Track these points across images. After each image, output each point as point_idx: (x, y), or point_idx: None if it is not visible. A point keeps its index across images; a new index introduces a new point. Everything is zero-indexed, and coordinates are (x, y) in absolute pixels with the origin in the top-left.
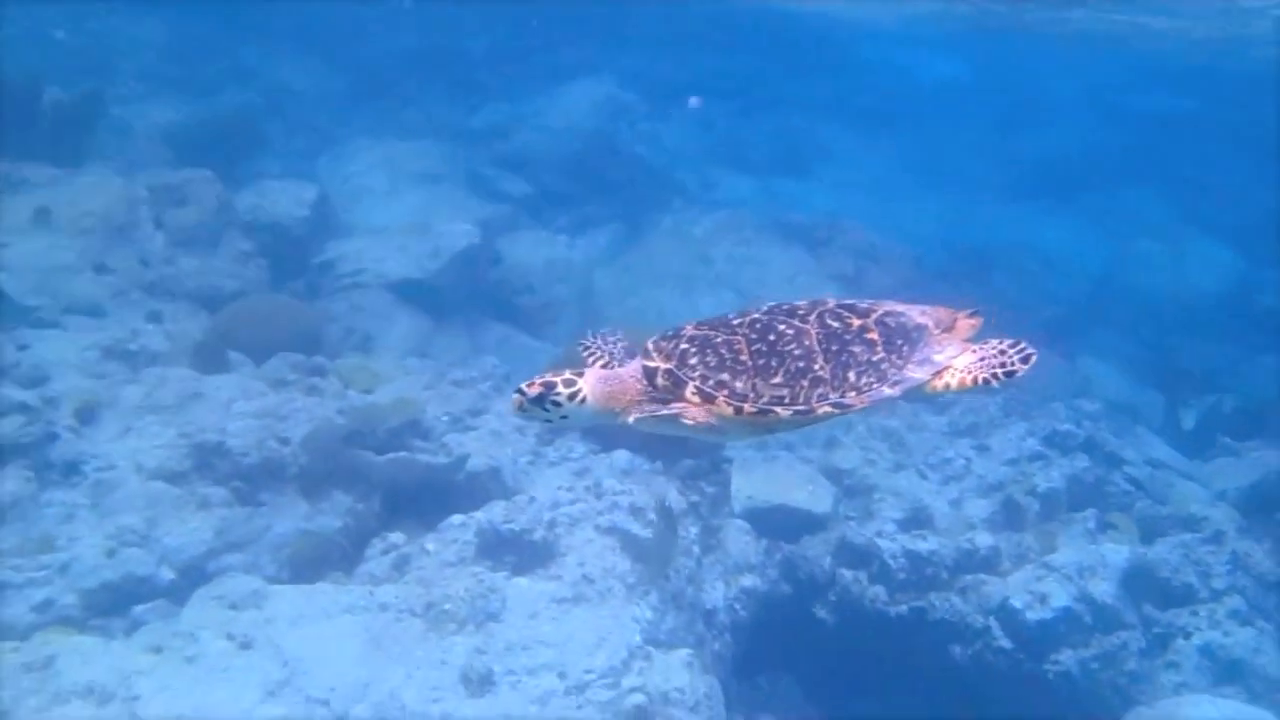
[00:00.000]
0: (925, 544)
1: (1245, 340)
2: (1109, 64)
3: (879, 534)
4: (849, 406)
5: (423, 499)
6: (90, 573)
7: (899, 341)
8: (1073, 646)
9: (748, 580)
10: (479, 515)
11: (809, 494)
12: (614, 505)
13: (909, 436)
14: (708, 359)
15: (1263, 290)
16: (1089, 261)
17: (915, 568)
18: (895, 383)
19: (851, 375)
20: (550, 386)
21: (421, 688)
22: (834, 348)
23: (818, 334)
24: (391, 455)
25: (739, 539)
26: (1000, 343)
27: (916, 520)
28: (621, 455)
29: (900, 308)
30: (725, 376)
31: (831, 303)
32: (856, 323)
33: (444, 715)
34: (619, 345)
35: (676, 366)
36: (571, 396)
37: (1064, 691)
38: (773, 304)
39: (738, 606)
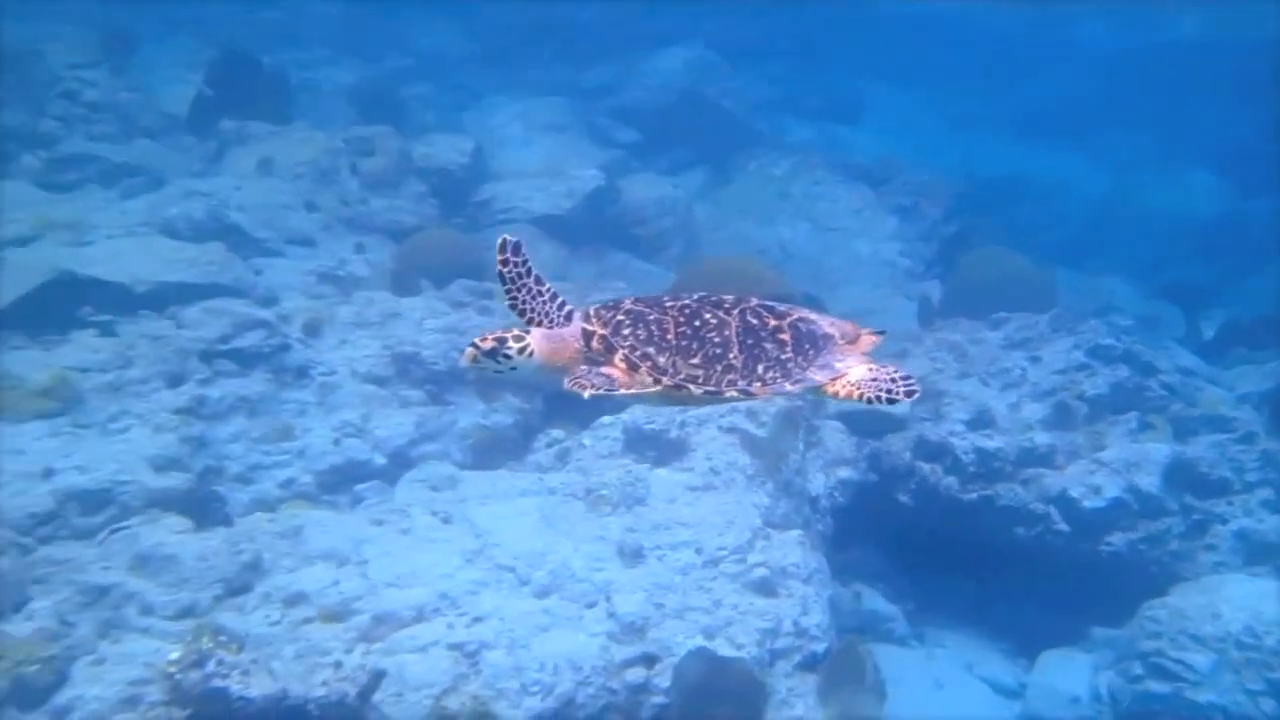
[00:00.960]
0: (991, 442)
1: (1239, 259)
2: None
3: (951, 433)
4: (752, 395)
5: (573, 401)
6: (321, 457)
7: (806, 345)
8: (1122, 530)
9: (843, 472)
10: (624, 416)
11: None
12: (733, 408)
13: (970, 349)
14: (638, 332)
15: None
16: (1092, 190)
17: (983, 461)
18: (796, 381)
19: (760, 368)
20: (502, 341)
21: (586, 558)
22: (749, 342)
23: (737, 327)
24: None
25: (835, 436)
26: (895, 370)
27: (981, 421)
28: None
29: (813, 316)
30: (651, 350)
31: (754, 301)
32: (773, 323)
33: (606, 581)
34: (561, 305)
35: (610, 334)
36: (520, 351)
37: (1114, 568)
38: (703, 294)
39: (835, 493)
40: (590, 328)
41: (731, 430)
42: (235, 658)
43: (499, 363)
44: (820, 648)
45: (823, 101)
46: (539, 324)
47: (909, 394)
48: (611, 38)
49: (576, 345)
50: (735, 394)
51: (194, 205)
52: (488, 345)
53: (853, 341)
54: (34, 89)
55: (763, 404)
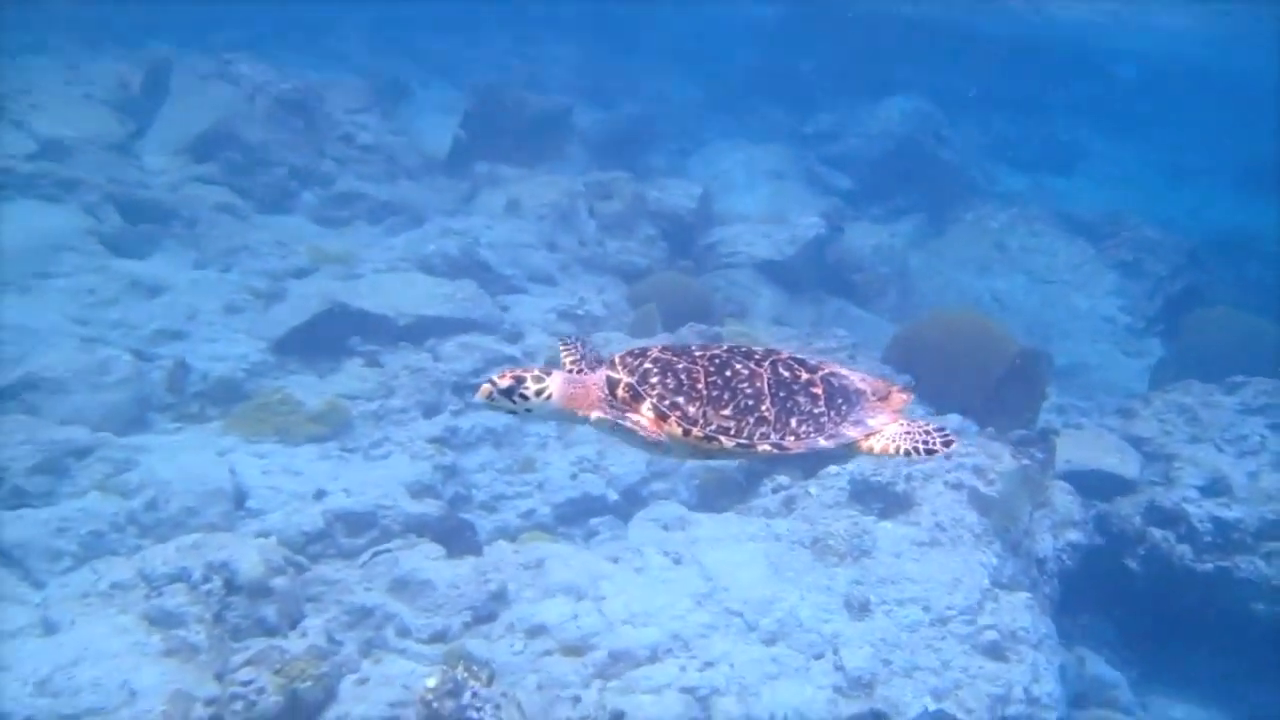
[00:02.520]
0: (1229, 511)
1: None
2: None
3: (1184, 499)
4: (786, 449)
5: None
6: (559, 490)
7: (839, 400)
8: None
9: (1071, 534)
10: (850, 467)
11: (1119, 460)
12: (959, 465)
13: (1203, 413)
14: (667, 381)
15: None
16: None
17: (1220, 531)
18: (831, 436)
19: (793, 421)
20: (520, 381)
21: (813, 608)
22: (782, 394)
23: (769, 379)
24: None
25: (1063, 498)
26: (928, 423)
27: (1217, 489)
28: (954, 419)
29: (844, 371)
30: (680, 400)
31: (785, 354)
32: (805, 376)
33: (833, 633)
34: (589, 352)
35: (638, 382)
36: (539, 393)
37: None
38: (732, 344)
39: (1064, 556)
40: (616, 375)
41: (958, 486)
42: (488, 690)
43: (514, 402)
44: (1052, 717)
45: (1038, 151)
46: (572, 360)
47: (946, 444)
48: (832, 87)
49: (600, 393)
50: (768, 448)
51: (449, 243)
52: (505, 383)
53: (884, 398)
54: (317, 133)
55: (990, 461)
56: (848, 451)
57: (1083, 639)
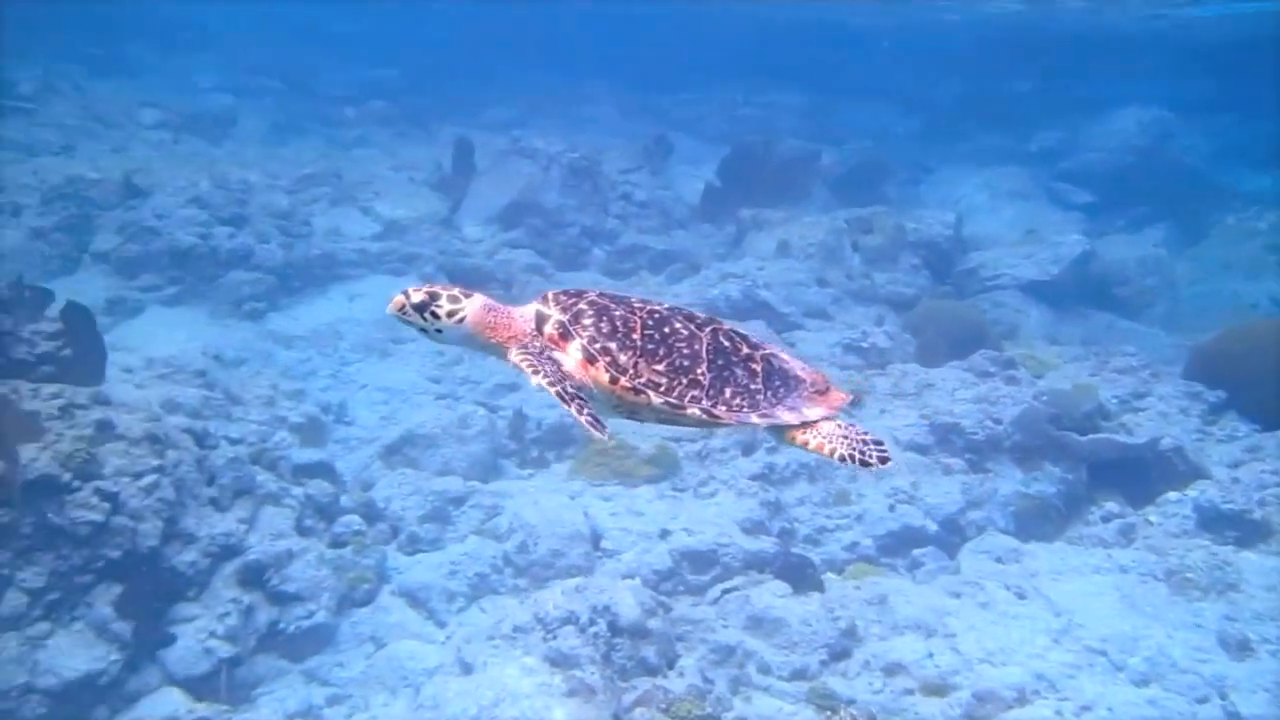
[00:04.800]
0: None
1: None
2: None
3: None
4: (716, 418)
5: (1121, 473)
6: (879, 522)
7: (777, 382)
8: None
9: None
10: (1191, 493)
11: None
12: None
13: None
14: (601, 325)
15: None
16: None
17: None
18: (764, 415)
19: (728, 391)
20: (434, 297)
21: (1184, 647)
22: (719, 362)
23: (709, 344)
24: (1093, 435)
25: None
26: (864, 431)
27: None
28: None
29: (786, 356)
30: (613, 345)
31: (727, 325)
32: (745, 350)
33: (1216, 675)
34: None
35: (570, 321)
36: (451, 314)
37: None
38: (673, 305)
39: None
40: (547, 310)
41: None
42: None
43: (425, 320)
44: None
45: (1268, 151)
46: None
47: (882, 460)
48: (1046, 105)
49: (524, 328)
50: (697, 412)
51: (730, 286)
52: (418, 297)
53: (822, 393)
54: (601, 194)
55: None
56: (777, 437)
57: None
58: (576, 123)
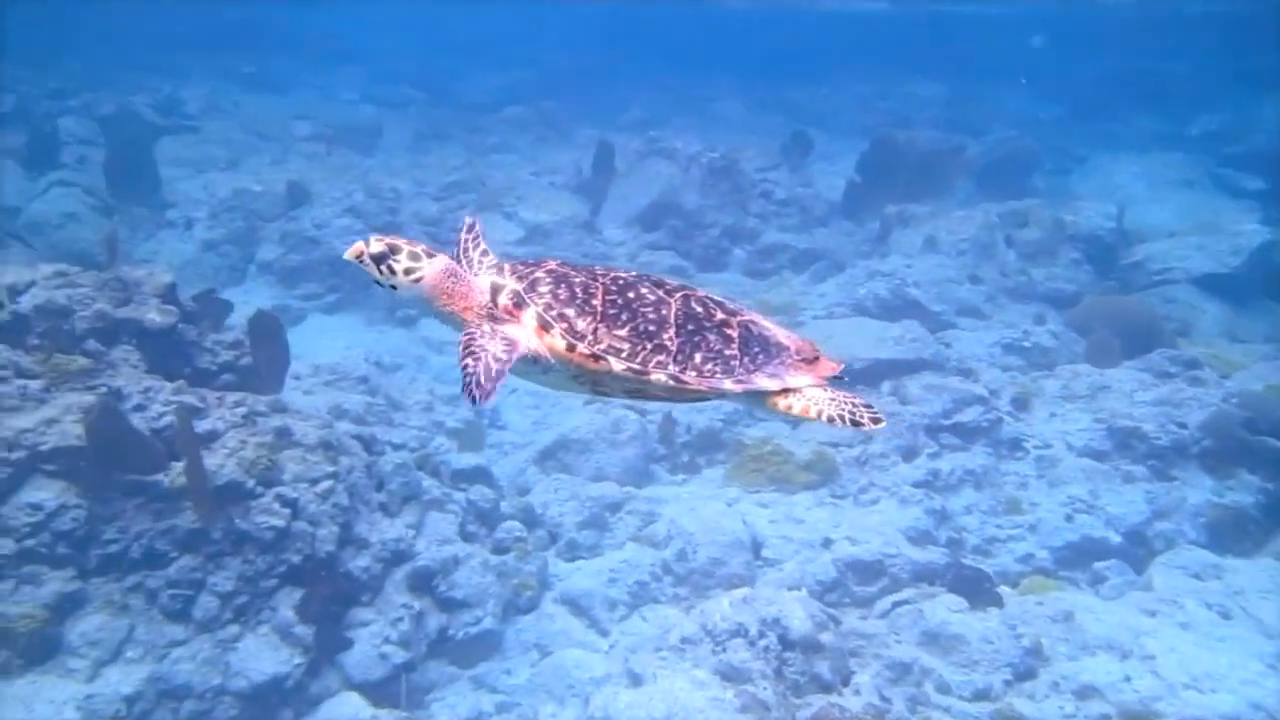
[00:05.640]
0: None
1: None
2: None
3: None
4: (685, 384)
5: None
6: (1054, 533)
7: (755, 348)
8: None
9: None
10: None
11: None
12: None
13: None
14: (559, 292)
15: None
16: None
17: None
18: (740, 380)
19: (698, 357)
20: (394, 250)
21: None
22: (690, 327)
23: (678, 309)
24: None
25: None
26: (855, 396)
27: None
28: None
29: (767, 323)
30: (570, 312)
31: (701, 293)
32: (720, 316)
33: None
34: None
35: (525, 289)
36: (408, 273)
37: None
38: (644, 273)
39: None
40: (502, 281)
41: None
42: None
43: (380, 273)
44: None
45: None
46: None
47: (874, 421)
48: (1202, 86)
49: (481, 299)
50: (664, 378)
51: (878, 285)
52: (376, 249)
53: (810, 361)
54: (741, 193)
55: None
56: (759, 405)
57: None
58: (708, 121)
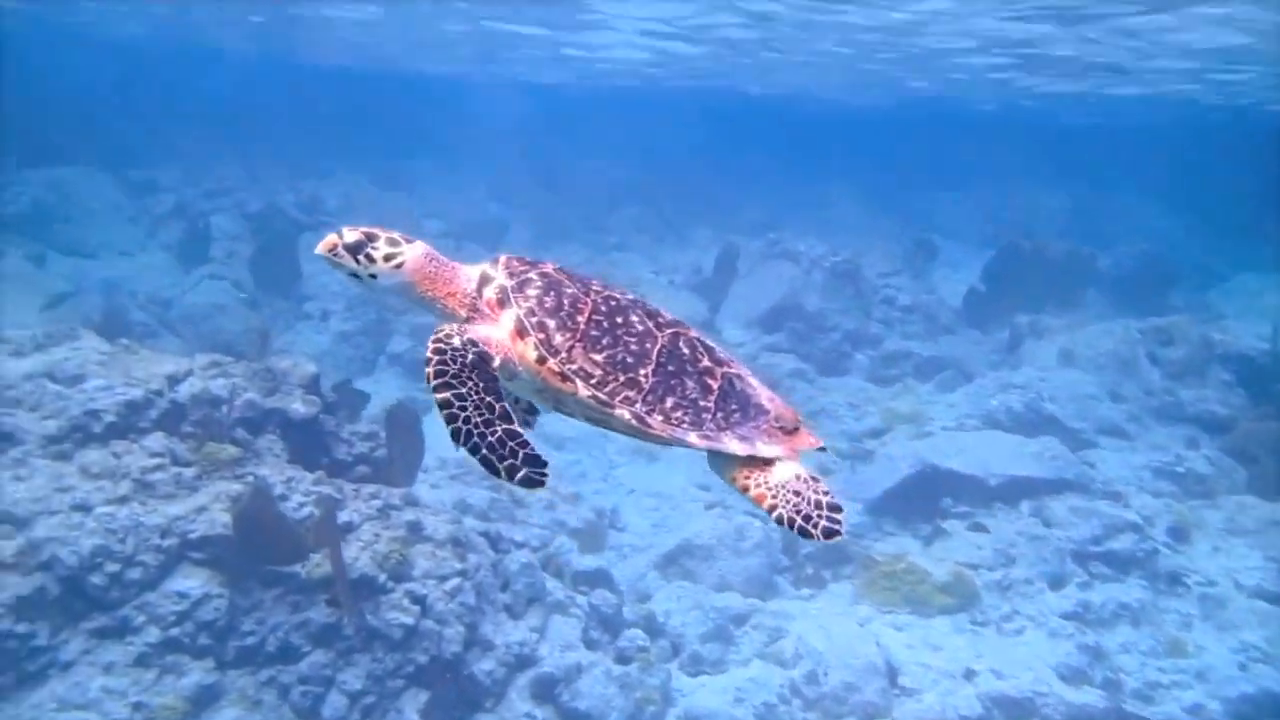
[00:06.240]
0: None
1: None
2: None
3: None
4: (647, 427)
5: None
6: (1227, 682)
7: (733, 404)
8: None
9: None
10: None
11: None
12: None
13: None
14: (546, 299)
15: None
16: None
17: None
18: (705, 436)
19: (669, 401)
20: (371, 239)
21: None
22: (670, 368)
23: (664, 347)
24: None
25: None
26: (824, 490)
27: None
28: None
29: (753, 381)
30: (550, 323)
31: (694, 333)
32: (705, 363)
33: None
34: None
35: (513, 288)
36: (388, 259)
37: None
38: (641, 299)
39: None
40: (493, 273)
41: None
42: None
43: (358, 264)
44: None
45: None
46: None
47: (829, 534)
48: None
49: (466, 289)
50: (627, 415)
51: (1011, 397)
52: (352, 238)
53: (789, 431)
54: (863, 298)
55: None
56: (721, 471)
57: None
58: (824, 223)
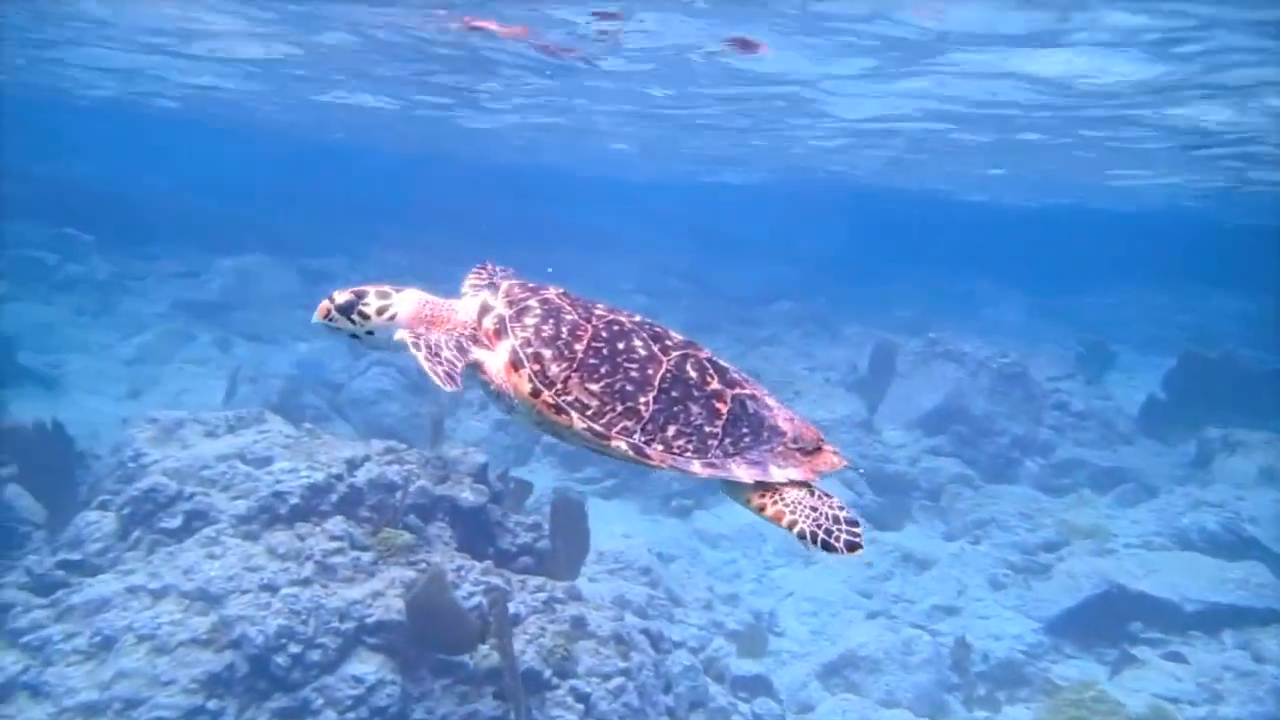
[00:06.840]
0: None
1: None
2: None
3: None
4: (645, 457)
5: None
6: None
7: (743, 428)
8: None
9: None
10: None
11: None
12: None
13: None
14: (544, 328)
15: None
16: None
17: None
18: (710, 465)
19: (671, 429)
20: (361, 296)
21: None
22: (674, 394)
23: (668, 372)
24: None
25: None
26: (842, 509)
27: None
28: None
29: (770, 402)
30: (546, 353)
31: (705, 354)
32: (713, 386)
33: None
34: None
35: (511, 317)
36: (381, 311)
37: None
38: (650, 321)
39: None
40: (492, 302)
41: None
42: None
43: (354, 323)
44: None
45: None
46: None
47: (850, 546)
48: None
49: (466, 320)
50: (624, 447)
51: (1204, 516)
52: (342, 299)
53: (808, 452)
54: (1033, 402)
55: None
56: (735, 494)
57: None
58: (982, 324)
